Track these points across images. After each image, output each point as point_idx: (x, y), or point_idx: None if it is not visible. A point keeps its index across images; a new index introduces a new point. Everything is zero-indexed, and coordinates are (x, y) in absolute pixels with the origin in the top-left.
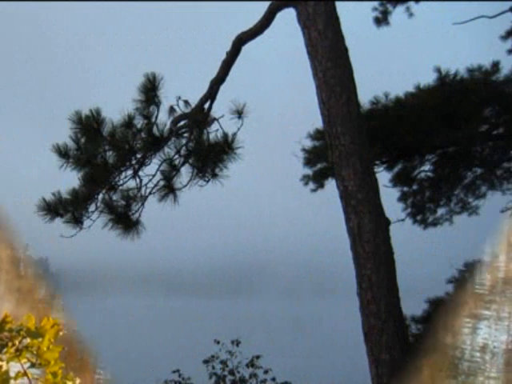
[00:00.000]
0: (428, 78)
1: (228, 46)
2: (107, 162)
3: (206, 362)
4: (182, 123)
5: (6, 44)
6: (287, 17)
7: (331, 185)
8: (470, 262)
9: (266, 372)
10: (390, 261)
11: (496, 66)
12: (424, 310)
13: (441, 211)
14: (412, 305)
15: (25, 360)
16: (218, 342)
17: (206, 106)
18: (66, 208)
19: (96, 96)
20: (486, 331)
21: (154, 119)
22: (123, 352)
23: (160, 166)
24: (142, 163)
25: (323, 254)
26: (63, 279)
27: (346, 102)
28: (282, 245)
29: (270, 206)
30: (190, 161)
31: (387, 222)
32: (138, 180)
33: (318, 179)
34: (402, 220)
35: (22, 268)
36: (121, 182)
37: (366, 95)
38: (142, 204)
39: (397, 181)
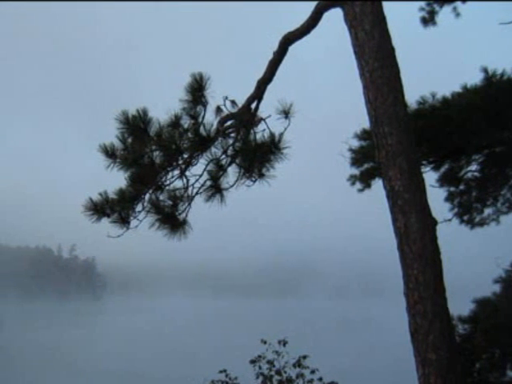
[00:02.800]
0: (475, 78)
1: (275, 46)
2: (154, 162)
3: (252, 361)
4: (228, 123)
5: (54, 44)
6: (334, 17)
7: (378, 185)
8: None
9: (312, 372)
10: (437, 261)
11: None
12: (471, 310)
13: (488, 211)
14: (459, 305)
15: None
16: (265, 342)
17: (253, 105)
18: (113, 208)
19: (143, 96)
20: None
21: (200, 119)
22: (171, 351)
23: (207, 165)
24: (188, 163)
25: (370, 255)
26: (110, 279)
27: (392, 102)
28: (329, 245)
29: (317, 206)
30: (237, 161)
31: (434, 222)
32: (184, 180)
33: (365, 179)
34: (449, 220)
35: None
36: (167, 182)
37: (412, 95)
38: (189, 204)
39: (444, 181)
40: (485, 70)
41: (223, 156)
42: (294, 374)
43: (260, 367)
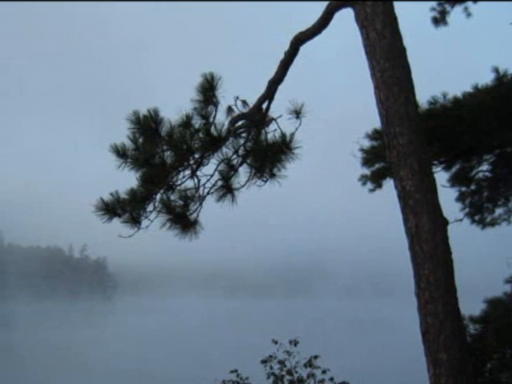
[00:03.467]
0: (486, 78)
1: (286, 46)
2: (165, 162)
3: (263, 362)
4: (240, 123)
5: (64, 44)
6: (345, 17)
7: (389, 185)
8: None
9: (323, 372)
10: (448, 261)
11: None
12: (482, 310)
13: (499, 211)
14: (470, 305)
15: None
16: (276, 342)
17: (264, 106)
18: (124, 208)
19: (154, 96)
20: None
21: (212, 119)
22: (182, 351)
23: (218, 165)
24: (199, 163)
25: (381, 255)
26: (121, 279)
27: (404, 102)
28: (340, 245)
29: (327, 206)
30: (248, 161)
31: (445, 222)
32: (195, 180)
33: (376, 179)
34: (460, 220)
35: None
36: (179, 181)
37: (424, 95)
38: (200, 204)
39: (455, 181)
40: (496, 70)
41: (234, 156)
42: (305, 374)
43: (271, 367)
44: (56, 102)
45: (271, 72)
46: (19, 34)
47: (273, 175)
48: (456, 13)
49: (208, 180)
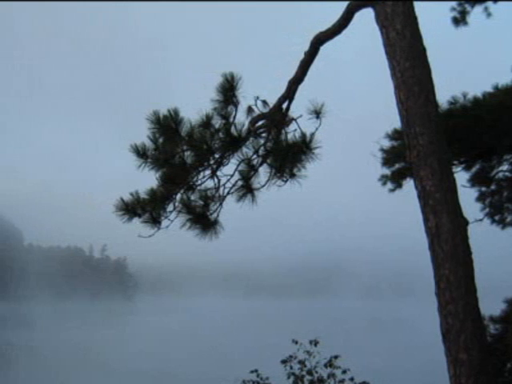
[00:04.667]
0: (506, 78)
1: (306, 46)
2: (185, 162)
3: (284, 362)
4: (260, 123)
5: (85, 44)
6: (365, 17)
7: (409, 185)
8: None
9: (344, 372)
10: (469, 261)
11: None
12: (502, 310)
13: None
14: (490, 305)
15: None
16: (296, 342)
17: (284, 106)
18: (144, 208)
19: (174, 96)
20: None
21: (232, 119)
22: (202, 351)
23: (238, 165)
24: (220, 163)
25: (401, 254)
26: (141, 279)
27: (424, 102)
28: (361, 245)
29: (347, 206)
30: (268, 161)
31: (465, 222)
32: (216, 180)
33: (396, 179)
34: (480, 220)
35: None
36: (199, 181)
37: (444, 95)
38: (220, 204)
39: (475, 181)
40: None
41: (254, 156)
42: (325, 374)
43: (291, 367)
44: (76, 102)
45: (291, 72)
46: (41, 33)
47: (293, 175)
48: (476, 13)
49: (228, 180)
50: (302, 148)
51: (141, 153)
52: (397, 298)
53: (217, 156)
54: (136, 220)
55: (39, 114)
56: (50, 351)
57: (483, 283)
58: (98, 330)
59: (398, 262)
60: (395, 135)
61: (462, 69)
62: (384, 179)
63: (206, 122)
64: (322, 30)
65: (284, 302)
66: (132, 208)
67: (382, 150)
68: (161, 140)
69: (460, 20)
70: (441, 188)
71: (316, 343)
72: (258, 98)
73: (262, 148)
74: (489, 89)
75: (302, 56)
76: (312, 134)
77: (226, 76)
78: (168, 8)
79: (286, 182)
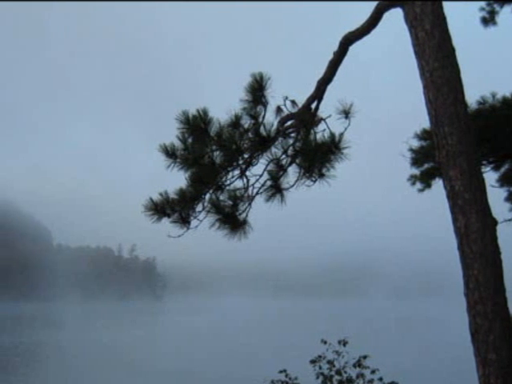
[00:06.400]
0: None
1: (335, 46)
2: (214, 162)
3: (312, 361)
4: (289, 123)
5: (116, 45)
6: (394, 17)
7: (438, 185)
8: None
9: (373, 372)
10: (497, 261)
11: None
12: None
13: None
14: None
15: None
16: (325, 342)
17: (313, 106)
18: (173, 208)
19: (204, 96)
20: None
21: (261, 119)
22: (231, 351)
23: (267, 165)
24: (249, 163)
25: (430, 254)
26: (170, 279)
27: (453, 102)
28: (389, 245)
29: (376, 206)
30: (297, 161)
31: (494, 222)
32: (245, 180)
33: (425, 179)
34: (509, 220)
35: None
36: (228, 181)
37: (473, 95)
38: (249, 204)
39: (504, 181)
40: None
41: (283, 156)
42: (354, 374)
43: (320, 367)
44: (107, 103)
45: (320, 72)
46: (73, 34)
47: (322, 175)
48: (505, 13)
49: (257, 180)
50: (331, 148)
51: (170, 153)
52: (425, 298)
53: (246, 156)
54: (165, 220)
55: (70, 114)
56: (79, 351)
57: None
58: (127, 330)
59: (427, 262)
60: (424, 135)
61: (491, 69)
62: (413, 179)
63: (235, 122)
64: (350, 29)
65: (312, 302)
66: (161, 208)
67: (411, 149)
68: (190, 140)
69: (489, 20)
70: (470, 188)
71: (345, 343)
72: (286, 97)
73: (290, 148)
74: None
75: (330, 56)
76: (341, 134)
77: (255, 76)
78: (198, 8)
79: (314, 182)
